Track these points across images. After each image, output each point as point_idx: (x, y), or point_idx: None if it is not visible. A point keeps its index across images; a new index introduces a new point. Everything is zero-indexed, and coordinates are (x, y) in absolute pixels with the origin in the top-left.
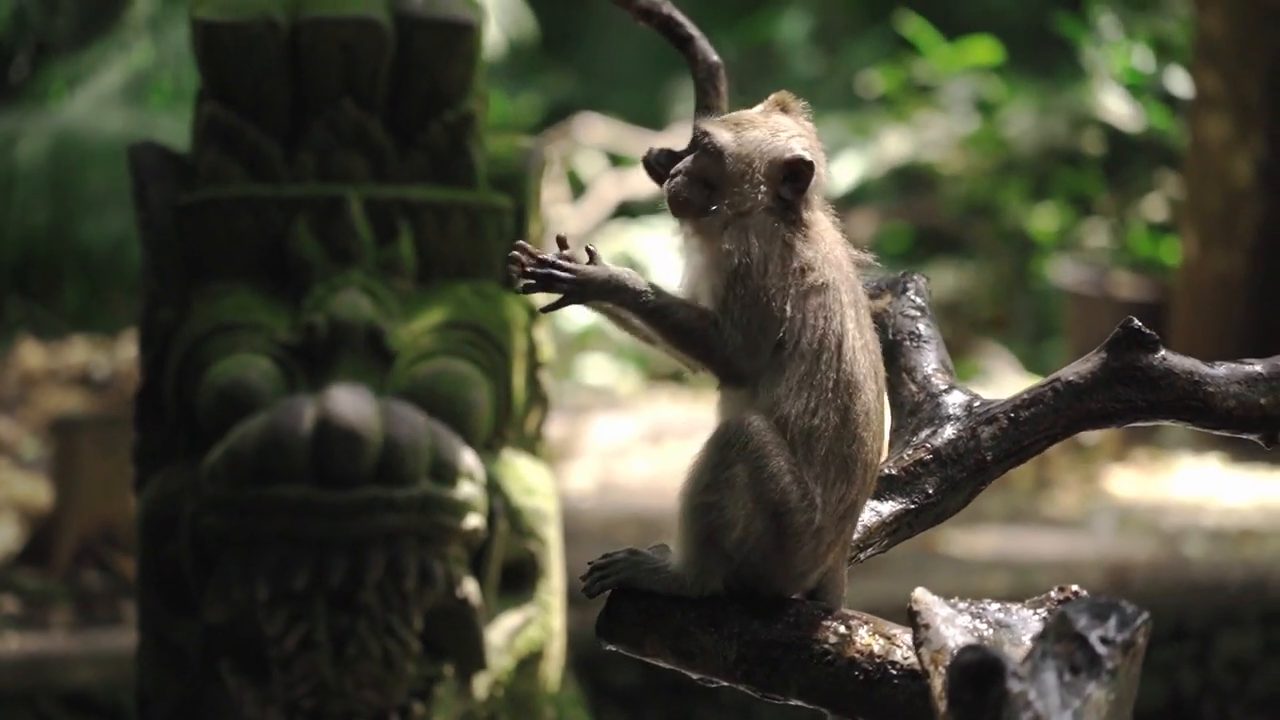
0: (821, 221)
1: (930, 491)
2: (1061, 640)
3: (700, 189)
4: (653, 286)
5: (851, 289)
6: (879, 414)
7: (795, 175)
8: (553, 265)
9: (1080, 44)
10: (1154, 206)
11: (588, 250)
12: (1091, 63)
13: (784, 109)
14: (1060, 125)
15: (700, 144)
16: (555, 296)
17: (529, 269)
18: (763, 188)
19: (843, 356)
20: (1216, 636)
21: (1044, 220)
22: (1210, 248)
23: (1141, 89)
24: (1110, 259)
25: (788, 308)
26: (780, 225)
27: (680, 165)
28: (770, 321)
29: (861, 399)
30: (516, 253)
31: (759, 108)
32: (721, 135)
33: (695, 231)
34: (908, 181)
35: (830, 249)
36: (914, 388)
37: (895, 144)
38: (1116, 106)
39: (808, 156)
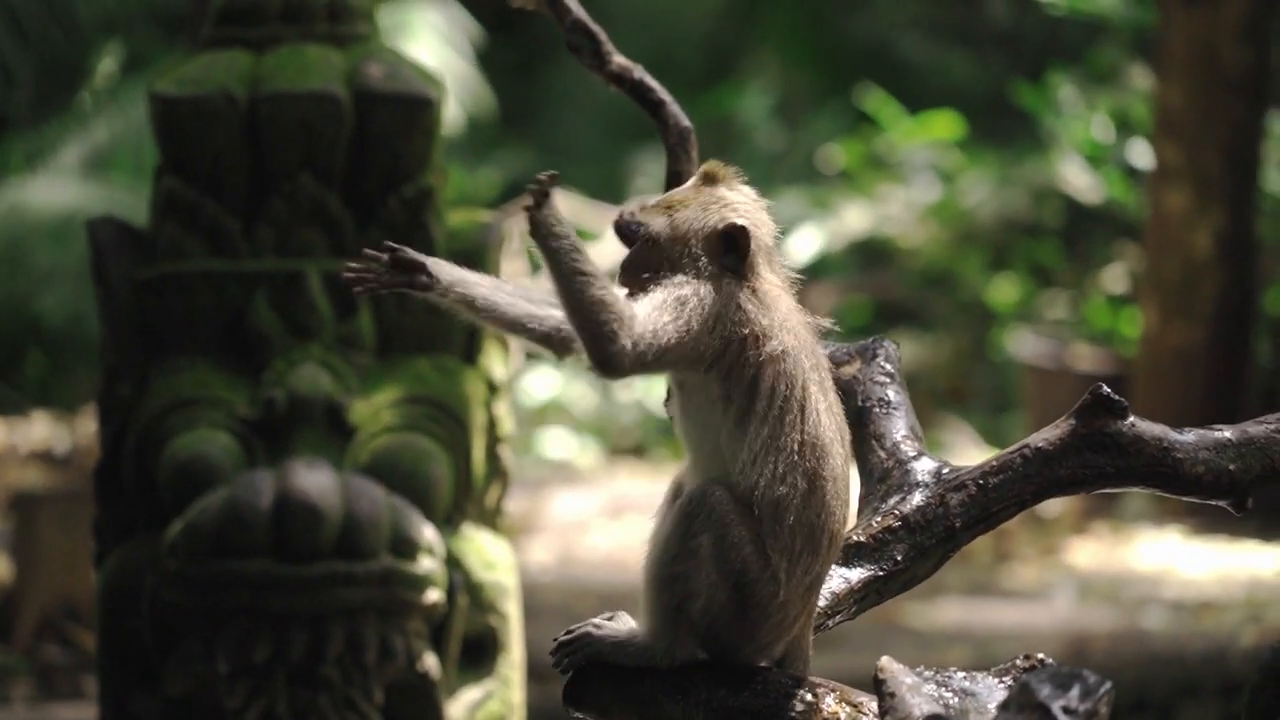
0: (775, 286)
1: (899, 558)
2: (1024, 710)
3: (643, 279)
4: (587, 258)
5: (812, 354)
6: (846, 480)
7: (733, 244)
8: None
9: (1040, 115)
10: (1114, 278)
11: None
12: (1051, 134)
13: (714, 180)
14: (1020, 196)
15: (635, 235)
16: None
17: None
18: (703, 261)
19: (806, 418)
20: (1176, 708)
21: (1003, 291)
22: (1171, 319)
23: (1102, 160)
24: (1069, 331)
25: (729, 369)
26: (733, 288)
27: (624, 259)
28: (693, 359)
29: (830, 463)
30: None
31: (688, 184)
32: (654, 222)
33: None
34: (867, 255)
35: (786, 315)
36: (883, 454)
37: (855, 217)
38: (1076, 178)
39: (740, 223)
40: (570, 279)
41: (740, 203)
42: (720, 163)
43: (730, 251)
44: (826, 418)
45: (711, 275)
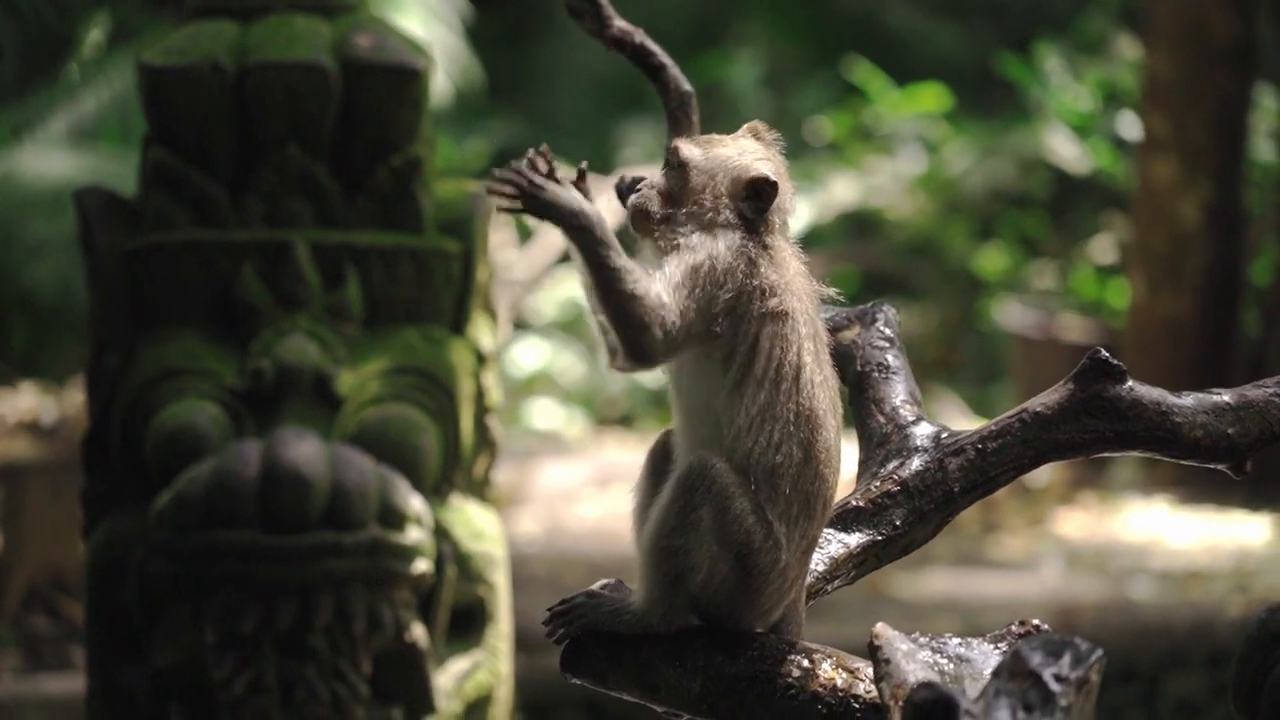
0: (786, 249)
1: (898, 523)
2: (1015, 677)
3: (663, 201)
4: (616, 246)
5: (811, 322)
6: (838, 455)
7: (758, 194)
8: (533, 180)
9: (1027, 87)
10: (1101, 248)
11: (577, 181)
12: (1038, 104)
13: (756, 136)
14: (1007, 167)
15: (668, 158)
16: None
17: (516, 180)
18: (725, 203)
19: (801, 388)
20: (1164, 678)
21: (990, 262)
22: (1158, 290)
23: (1089, 130)
24: (1057, 301)
25: (737, 327)
26: (746, 242)
27: (646, 179)
28: (710, 327)
29: (823, 435)
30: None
31: (732, 135)
32: (689, 149)
33: (655, 246)
34: (856, 226)
35: (794, 278)
36: (882, 419)
37: (843, 189)
38: (1063, 148)
39: (772, 176)
40: (601, 270)
41: (775, 160)
42: (765, 125)
43: (751, 200)
44: (821, 391)
45: (726, 225)
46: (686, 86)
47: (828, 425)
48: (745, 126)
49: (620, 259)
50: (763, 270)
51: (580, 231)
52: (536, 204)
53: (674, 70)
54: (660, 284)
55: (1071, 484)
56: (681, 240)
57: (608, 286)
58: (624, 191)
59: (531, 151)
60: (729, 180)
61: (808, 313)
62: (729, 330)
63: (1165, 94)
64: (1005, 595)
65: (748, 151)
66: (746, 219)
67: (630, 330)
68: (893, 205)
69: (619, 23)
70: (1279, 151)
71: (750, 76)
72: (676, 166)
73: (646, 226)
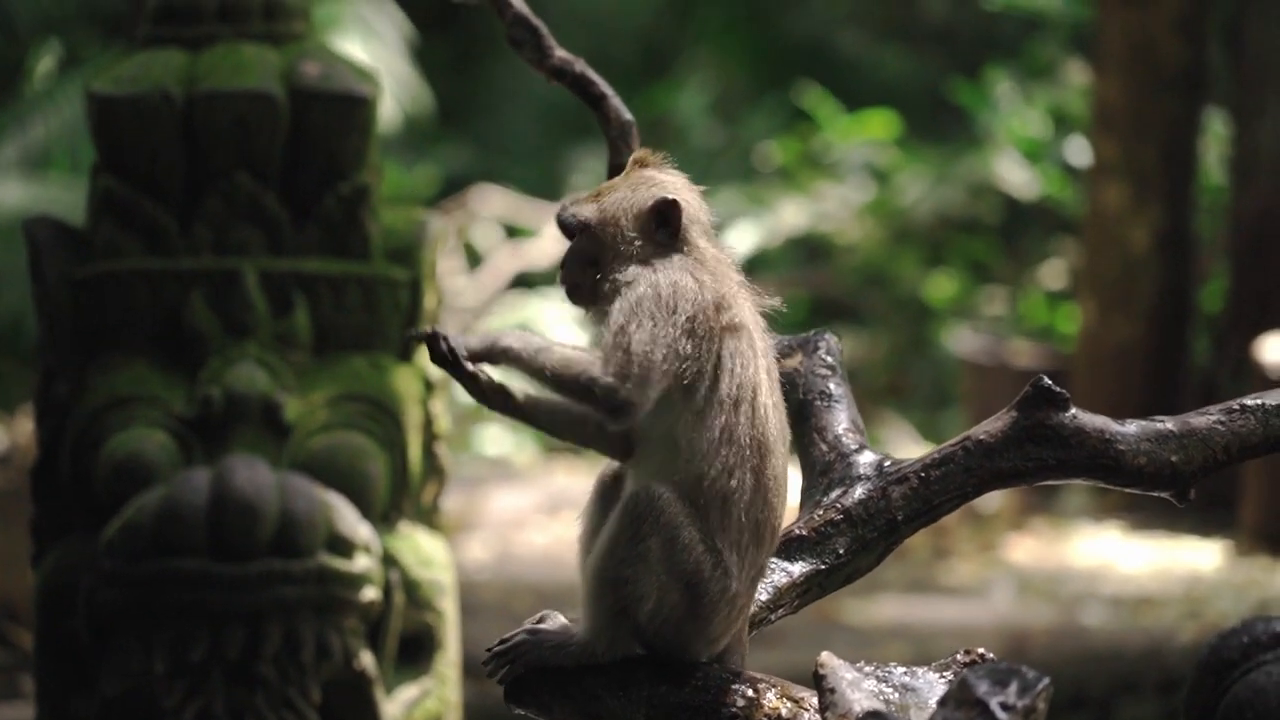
0: (720, 258)
1: (841, 552)
2: (962, 706)
3: (586, 268)
4: (522, 335)
5: (762, 336)
6: (785, 482)
7: (664, 218)
8: (440, 339)
9: (977, 112)
10: (1051, 274)
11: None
12: (988, 130)
13: (644, 165)
14: (957, 193)
15: (569, 226)
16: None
17: (430, 343)
18: (638, 242)
19: (757, 412)
20: (1115, 704)
21: (940, 288)
22: (1109, 315)
23: (1039, 156)
24: (1007, 327)
25: (700, 346)
26: (678, 259)
27: (563, 256)
28: (671, 355)
29: (772, 462)
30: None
31: (620, 175)
32: (582, 210)
33: (599, 311)
34: (805, 251)
35: (737, 289)
36: (825, 447)
37: (792, 214)
38: (1013, 174)
39: (669, 196)
40: (535, 368)
41: (669, 181)
42: (649, 150)
43: (662, 227)
44: (773, 415)
45: (651, 255)
46: (627, 116)
47: (777, 452)
48: (631, 159)
49: (544, 345)
50: (707, 283)
51: (503, 353)
52: (455, 357)
53: (615, 100)
54: (607, 336)
55: (1022, 510)
56: (619, 278)
57: (552, 375)
58: (566, 222)
59: (429, 328)
60: (631, 219)
61: (759, 324)
62: (693, 351)
63: (1115, 119)
64: (956, 621)
65: (640, 184)
66: (664, 244)
67: (595, 398)
68: (842, 231)
69: (559, 53)
70: (1229, 176)
71: (698, 104)
72: (579, 231)
73: (585, 298)
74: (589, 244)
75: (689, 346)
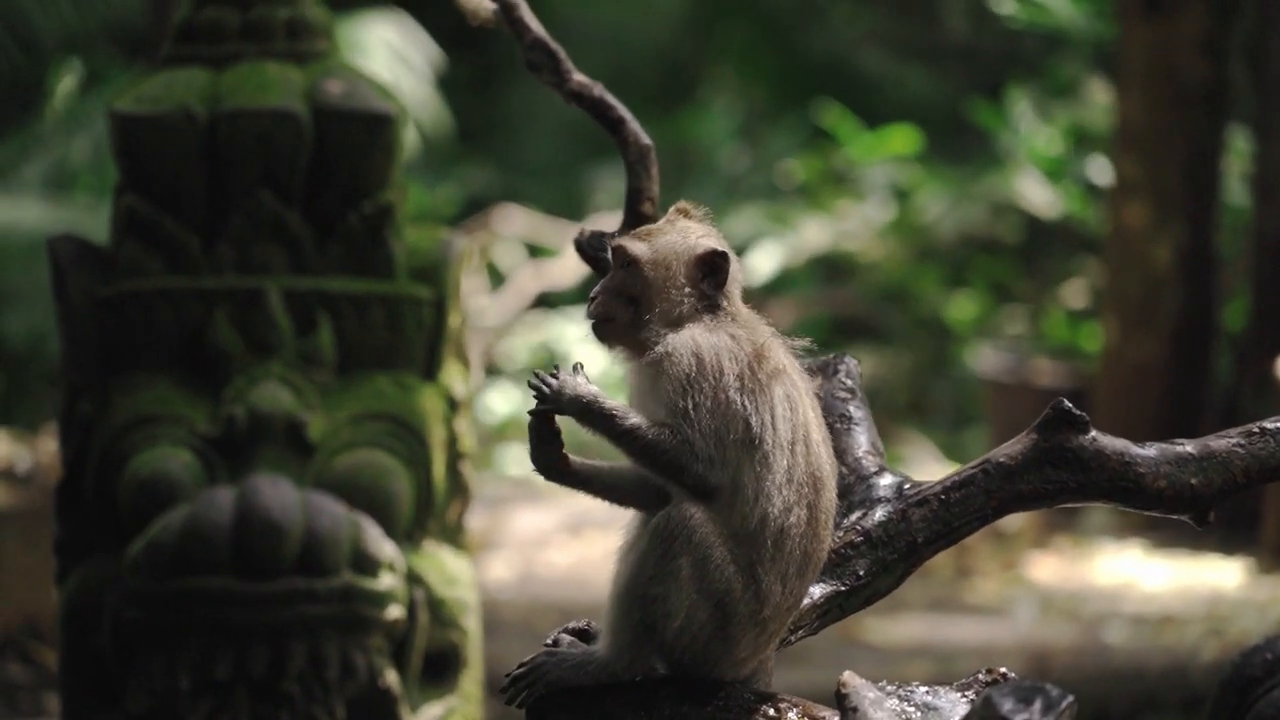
0: (750, 314)
1: (861, 573)
2: None
3: (624, 305)
4: (622, 409)
5: (801, 375)
6: (833, 510)
7: (714, 269)
8: (544, 380)
9: (998, 132)
10: (1073, 293)
11: (575, 366)
12: (1009, 150)
13: (687, 215)
14: (978, 212)
15: (614, 259)
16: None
17: (534, 383)
18: (686, 289)
19: (811, 450)
20: None
21: (961, 308)
22: (1131, 334)
23: (1060, 175)
24: (1029, 346)
25: (754, 399)
26: (716, 320)
27: (598, 287)
28: (734, 420)
29: (825, 495)
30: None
31: (662, 220)
32: (635, 245)
33: (629, 353)
34: (827, 270)
35: (769, 337)
36: (845, 470)
37: (814, 233)
38: (1034, 193)
39: (721, 248)
40: (623, 440)
41: (714, 233)
42: (691, 203)
43: (708, 277)
44: (824, 450)
45: (694, 312)
46: (645, 140)
47: (829, 484)
48: (673, 208)
49: (635, 421)
50: (743, 337)
51: (595, 417)
52: (559, 404)
53: (632, 124)
54: (674, 420)
55: (1045, 528)
56: (660, 349)
57: (638, 450)
58: (583, 246)
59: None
60: (683, 265)
61: (795, 366)
62: (748, 405)
63: (1137, 137)
64: (978, 640)
65: (690, 231)
66: (708, 296)
67: (679, 478)
68: (864, 250)
69: (577, 76)
70: (1251, 194)
71: (723, 128)
72: (626, 265)
73: (613, 335)
74: (633, 281)
75: (743, 404)
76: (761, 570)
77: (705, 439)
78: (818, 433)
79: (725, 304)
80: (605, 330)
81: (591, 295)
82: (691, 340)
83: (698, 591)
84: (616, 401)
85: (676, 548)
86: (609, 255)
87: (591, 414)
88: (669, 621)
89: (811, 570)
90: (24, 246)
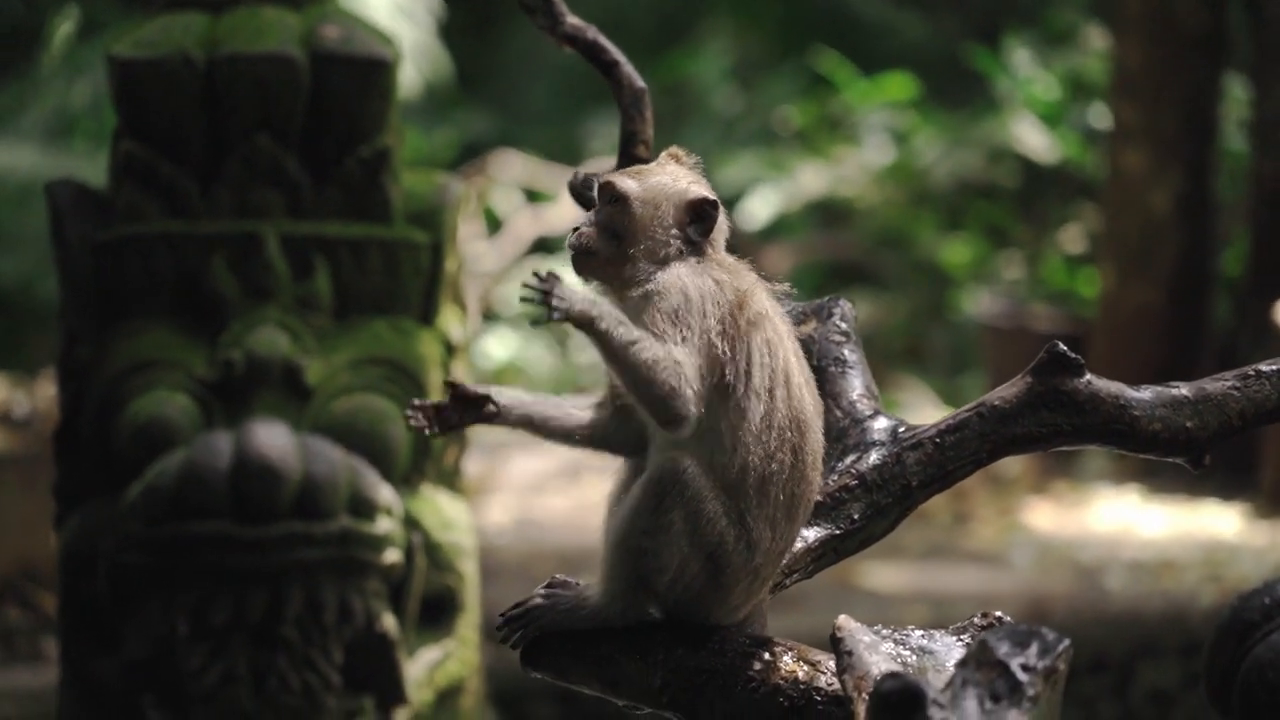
0: (734, 261)
1: (856, 517)
2: (982, 668)
3: (607, 240)
4: (627, 320)
5: (783, 319)
6: (821, 452)
7: (701, 216)
8: (550, 288)
9: (995, 77)
10: (1070, 238)
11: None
12: (1006, 96)
13: (678, 161)
14: (975, 157)
15: (605, 193)
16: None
17: (535, 286)
18: (673, 231)
19: (792, 394)
20: (1136, 668)
21: (958, 252)
22: (1129, 279)
23: (1057, 121)
24: (1026, 291)
25: (732, 345)
26: (702, 263)
27: (583, 219)
28: (714, 363)
29: (811, 437)
30: (534, 277)
31: (652, 164)
32: (625, 182)
33: (604, 288)
34: (824, 216)
35: (754, 282)
36: (839, 413)
37: (811, 179)
38: (1031, 138)
39: (711, 196)
40: (621, 360)
41: (704, 183)
42: (684, 150)
43: (695, 223)
44: (807, 393)
45: (679, 254)
46: (639, 83)
47: (814, 426)
48: (664, 153)
49: (636, 333)
50: (726, 282)
51: (605, 325)
52: (569, 313)
53: (627, 67)
54: (667, 344)
55: (1042, 474)
56: (647, 286)
57: (638, 363)
58: (578, 190)
59: (543, 270)
60: (671, 207)
61: (778, 310)
62: (727, 351)
63: (1135, 83)
64: (976, 586)
65: (681, 176)
66: (693, 242)
67: (668, 399)
68: (861, 195)
69: (571, 20)
70: (1249, 140)
71: (718, 69)
72: (614, 201)
73: (591, 267)
74: (621, 217)
75: (725, 349)
76: (750, 519)
77: (684, 360)
78: (799, 375)
79: (710, 250)
80: (584, 262)
81: (575, 227)
82: (679, 279)
83: (690, 545)
84: (620, 312)
85: (669, 501)
86: (595, 193)
87: (603, 322)
88: (662, 575)
89: (801, 512)
90: (22, 192)
